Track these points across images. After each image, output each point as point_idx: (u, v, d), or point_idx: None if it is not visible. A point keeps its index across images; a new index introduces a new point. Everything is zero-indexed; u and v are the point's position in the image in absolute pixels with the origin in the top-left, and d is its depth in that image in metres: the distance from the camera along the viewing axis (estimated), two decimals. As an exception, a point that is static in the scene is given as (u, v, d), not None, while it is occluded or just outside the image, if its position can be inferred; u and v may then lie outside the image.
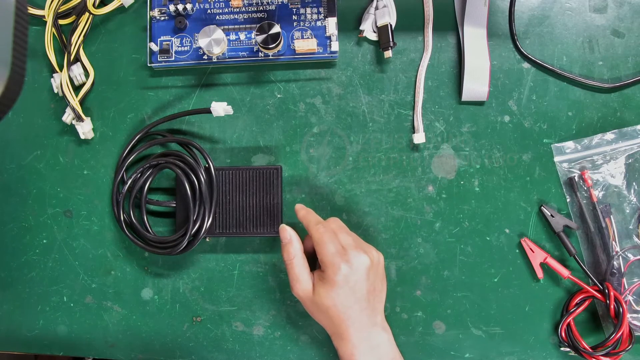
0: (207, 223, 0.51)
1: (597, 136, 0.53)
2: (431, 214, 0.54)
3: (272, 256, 0.55)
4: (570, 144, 0.53)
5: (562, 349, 0.53)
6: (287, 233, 0.48)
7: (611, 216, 0.52)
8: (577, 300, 0.52)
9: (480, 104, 0.55)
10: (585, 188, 0.53)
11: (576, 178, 0.53)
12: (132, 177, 0.53)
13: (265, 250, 0.55)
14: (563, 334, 0.52)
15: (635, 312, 0.51)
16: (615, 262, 0.52)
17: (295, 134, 0.55)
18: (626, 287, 0.52)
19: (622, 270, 0.52)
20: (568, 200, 0.53)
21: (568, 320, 0.51)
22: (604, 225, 0.52)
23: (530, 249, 0.53)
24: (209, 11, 0.54)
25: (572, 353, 0.52)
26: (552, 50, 0.55)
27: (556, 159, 0.54)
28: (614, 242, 0.52)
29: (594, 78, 0.54)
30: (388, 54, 0.53)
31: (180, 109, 0.56)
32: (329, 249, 0.45)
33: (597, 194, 0.52)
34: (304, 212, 0.49)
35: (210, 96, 0.56)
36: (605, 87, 0.54)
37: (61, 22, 0.55)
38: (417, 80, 0.55)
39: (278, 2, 0.54)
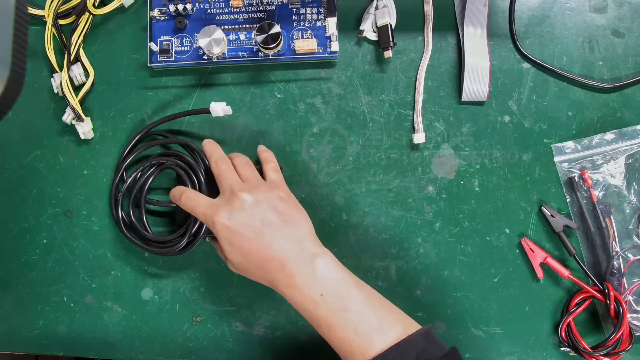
0: (207, 223, 0.51)
1: (597, 136, 0.53)
2: (431, 214, 0.54)
3: (272, 256, 0.55)
4: (570, 144, 0.53)
5: (562, 349, 0.53)
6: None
7: (611, 216, 0.52)
8: (577, 300, 0.52)
9: (480, 104, 0.55)
10: (585, 188, 0.53)
11: (576, 178, 0.53)
12: (132, 177, 0.53)
13: (265, 250, 0.55)
14: (563, 334, 0.52)
15: (635, 312, 0.51)
16: (615, 262, 0.52)
17: (295, 133, 0.55)
18: (626, 287, 0.52)
19: (622, 270, 0.52)
20: (568, 200, 0.53)
21: (568, 320, 0.51)
22: (604, 225, 0.52)
23: (530, 249, 0.53)
24: (209, 11, 0.54)
25: (572, 353, 0.52)
26: (552, 50, 0.55)
27: (556, 159, 0.54)
28: (614, 242, 0.52)
29: (594, 78, 0.54)
30: (388, 54, 0.53)
31: (180, 109, 0.56)
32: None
33: (597, 194, 0.52)
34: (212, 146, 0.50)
35: (210, 96, 0.56)
36: (605, 87, 0.54)
37: (61, 22, 0.55)
38: (417, 80, 0.55)
39: (278, 2, 0.54)
